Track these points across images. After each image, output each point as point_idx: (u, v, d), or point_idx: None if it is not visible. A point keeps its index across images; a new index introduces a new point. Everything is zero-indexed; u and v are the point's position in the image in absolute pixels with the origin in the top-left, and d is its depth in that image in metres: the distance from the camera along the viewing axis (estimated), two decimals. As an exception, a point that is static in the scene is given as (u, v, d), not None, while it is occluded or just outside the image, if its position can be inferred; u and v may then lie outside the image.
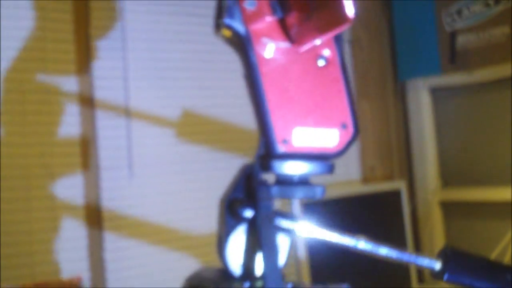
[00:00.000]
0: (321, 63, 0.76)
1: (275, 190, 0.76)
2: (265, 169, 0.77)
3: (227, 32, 0.74)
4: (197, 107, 2.43)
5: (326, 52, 0.76)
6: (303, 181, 0.79)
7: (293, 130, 0.76)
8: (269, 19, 0.74)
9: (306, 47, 0.72)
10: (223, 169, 2.43)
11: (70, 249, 2.15)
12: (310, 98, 0.75)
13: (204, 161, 2.43)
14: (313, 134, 0.77)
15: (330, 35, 0.68)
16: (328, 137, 0.77)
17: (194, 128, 2.43)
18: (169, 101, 2.38)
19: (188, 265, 2.30)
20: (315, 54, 0.76)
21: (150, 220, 2.31)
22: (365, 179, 2.81)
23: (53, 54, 2.15)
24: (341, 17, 0.63)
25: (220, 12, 0.74)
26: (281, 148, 0.76)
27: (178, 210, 2.36)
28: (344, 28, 0.65)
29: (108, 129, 2.26)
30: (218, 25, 0.75)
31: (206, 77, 2.43)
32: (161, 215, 2.34)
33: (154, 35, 2.35)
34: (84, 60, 2.22)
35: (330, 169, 0.79)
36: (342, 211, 2.53)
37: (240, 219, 0.76)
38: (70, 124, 2.17)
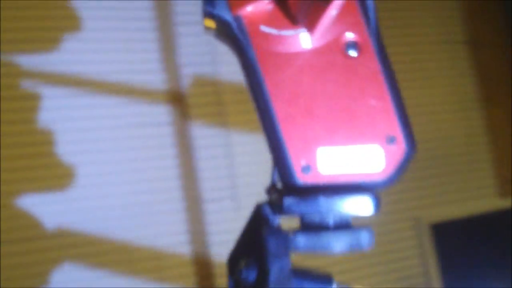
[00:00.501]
0: (351, 53, 0.53)
1: (300, 240, 0.52)
2: (279, 210, 0.54)
3: (210, 23, 0.53)
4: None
5: (353, 37, 0.52)
6: (341, 225, 0.54)
7: (318, 152, 0.52)
8: (265, 1, 0.53)
9: (319, 30, 0.50)
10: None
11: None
12: (338, 104, 0.51)
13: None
14: (346, 155, 0.53)
15: (333, 10, 0.45)
16: (369, 158, 0.53)
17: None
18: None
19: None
20: (340, 41, 0.53)
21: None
22: (502, 193, 2.47)
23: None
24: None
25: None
26: (302, 179, 0.52)
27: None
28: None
29: (208, 159, 2.11)
30: (202, 15, 0.54)
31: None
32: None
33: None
34: (175, 88, 2.10)
35: (377, 205, 0.54)
36: (477, 231, 2.21)
37: (244, 285, 0.53)
38: (167, 156, 2.05)
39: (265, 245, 0.51)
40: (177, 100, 2.09)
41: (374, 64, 0.53)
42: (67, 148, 1.92)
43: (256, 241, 0.53)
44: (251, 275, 0.52)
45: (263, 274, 0.50)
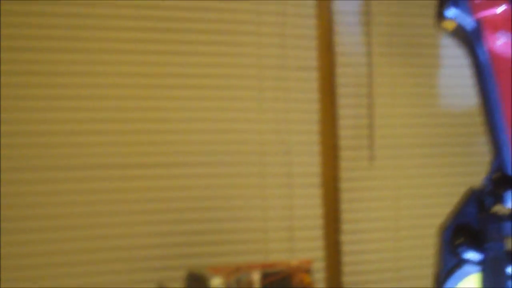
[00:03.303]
0: None
1: (509, 227, 0.59)
2: (497, 199, 0.59)
3: (449, 24, 0.58)
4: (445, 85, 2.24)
5: None
6: None
7: None
8: (503, 8, 0.56)
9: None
10: (467, 156, 2.25)
11: (305, 228, 2.11)
12: None
13: (449, 145, 2.24)
14: None
15: None
16: None
17: (437, 109, 2.24)
18: (414, 79, 2.21)
19: (423, 255, 2.18)
20: None
21: (389, 205, 2.19)
22: None
23: (293, 30, 2.10)
24: None
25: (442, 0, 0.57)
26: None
27: (416, 196, 2.21)
28: None
29: (349, 107, 2.16)
30: (439, 16, 0.58)
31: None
32: (400, 200, 2.20)
33: (399, 8, 2.19)
34: (326, 36, 2.14)
35: None
36: None
37: (461, 260, 0.60)
38: (309, 101, 2.12)
39: (486, 227, 0.57)
40: (327, 47, 2.14)
41: None
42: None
43: (472, 224, 0.59)
44: (467, 253, 0.59)
45: (482, 253, 0.57)
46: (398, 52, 2.19)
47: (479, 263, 0.57)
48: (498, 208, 0.60)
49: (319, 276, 2.10)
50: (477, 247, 0.58)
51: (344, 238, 2.15)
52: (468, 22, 0.57)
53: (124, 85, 1.94)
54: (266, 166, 2.08)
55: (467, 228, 0.60)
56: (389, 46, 2.18)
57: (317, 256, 2.11)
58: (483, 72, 0.57)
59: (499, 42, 0.57)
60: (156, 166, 1.96)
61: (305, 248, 2.11)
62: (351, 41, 2.16)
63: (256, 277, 1.71)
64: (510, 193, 0.58)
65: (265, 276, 1.72)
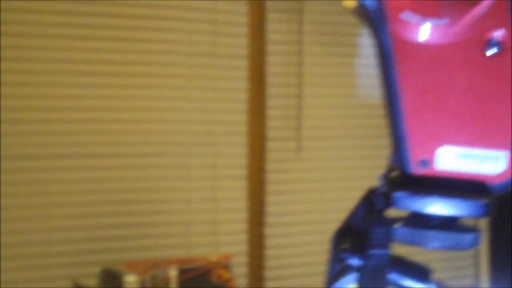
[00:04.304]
0: (490, 51, 0.51)
1: (400, 232, 0.53)
2: (389, 201, 0.53)
3: (349, 3, 0.51)
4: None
5: (497, 36, 0.50)
6: (448, 223, 0.53)
7: (439, 149, 0.51)
8: None
9: (462, 24, 0.47)
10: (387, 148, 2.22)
11: (229, 221, 2.05)
12: (467, 103, 0.50)
13: (370, 137, 2.21)
14: (467, 155, 0.51)
15: (481, 9, 0.43)
16: (489, 161, 0.51)
17: (359, 100, 2.20)
18: (344, 69, 2.17)
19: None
20: (482, 38, 0.50)
21: (315, 197, 2.15)
22: None
23: (223, 16, 2.02)
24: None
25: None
26: (417, 170, 0.52)
27: (341, 189, 2.18)
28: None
29: (279, 97, 2.10)
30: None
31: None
32: (326, 192, 2.16)
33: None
34: (257, 23, 2.07)
35: (488, 209, 0.53)
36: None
37: (345, 266, 0.54)
38: (238, 90, 2.05)
39: (370, 231, 0.51)
40: (257, 34, 2.07)
41: (512, 67, 0.51)
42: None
43: (361, 227, 0.53)
44: (350, 259, 0.53)
45: (363, 259, 0.51)
46: (329, 41, 2.14)
47: (359, 270, 0.51)
48: (389, 211, 0.54)
49: (241, 270, 2.05)
50: (361, 253, 0.52)
51: (268, 231, 2.10)
52: (370, 1, 0.51)
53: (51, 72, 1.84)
54: (191, 158, 2.00)
55: (355, 232, 0.54)
56: (320, 34, 2.12)
57: (240, 250, 2.05)
58: (385, 57, 0.51)
59: (403, 25, 0.51)
60: (74, 157, 1.86)
61: (228, 242, 2.05)
62: (283, 28, 2.09)
63: (173, 273, 1.64)
64: (400, 194, 0.52)
65: (182, 272, 1.66)
